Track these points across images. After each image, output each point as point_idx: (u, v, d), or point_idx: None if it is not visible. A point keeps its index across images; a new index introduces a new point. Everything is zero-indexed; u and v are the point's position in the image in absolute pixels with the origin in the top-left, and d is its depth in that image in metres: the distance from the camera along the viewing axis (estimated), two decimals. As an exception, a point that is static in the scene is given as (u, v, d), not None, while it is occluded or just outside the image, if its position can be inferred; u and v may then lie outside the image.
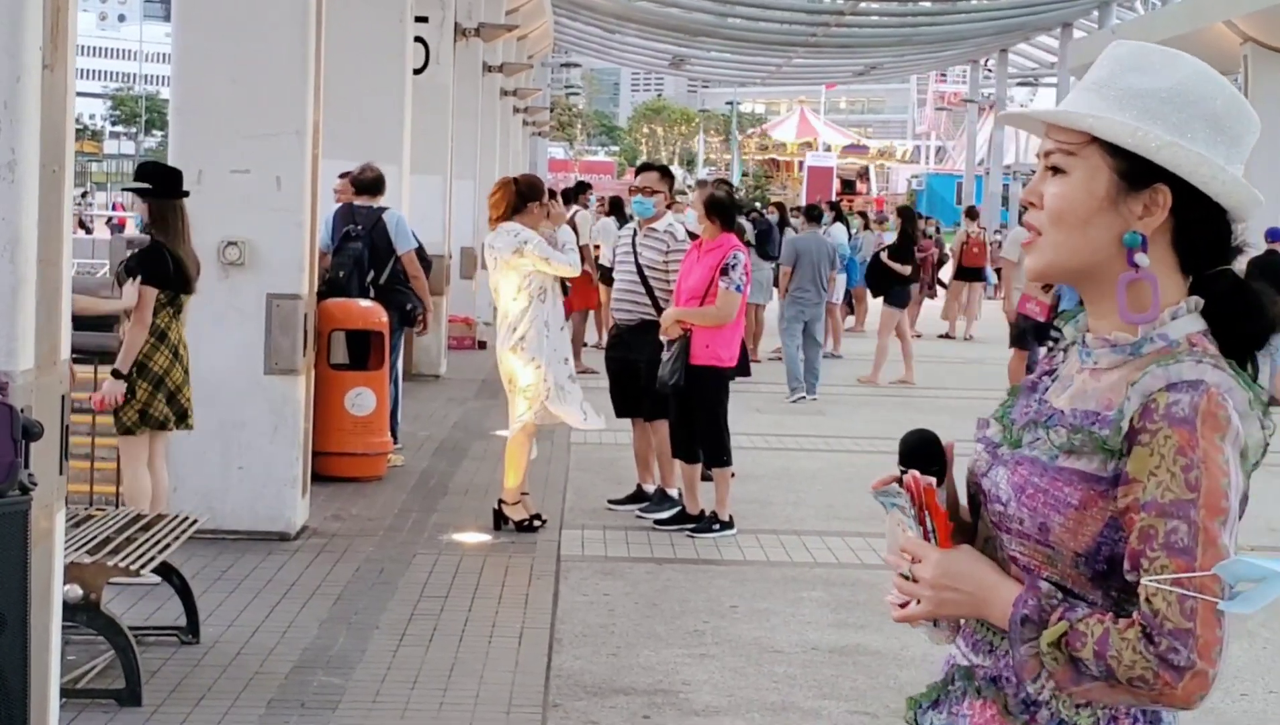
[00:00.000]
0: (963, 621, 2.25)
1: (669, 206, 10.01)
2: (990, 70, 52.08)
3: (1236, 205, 2.12)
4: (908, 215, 19.78)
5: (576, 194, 19.86)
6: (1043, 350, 2.52)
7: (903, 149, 79.72)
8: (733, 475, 9.30)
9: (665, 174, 10.11)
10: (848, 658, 6.85)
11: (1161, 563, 1.98)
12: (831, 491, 10.56)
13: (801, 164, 69.82)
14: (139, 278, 7.40)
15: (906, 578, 2.17)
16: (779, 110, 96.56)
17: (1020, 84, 56.19)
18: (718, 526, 9.21)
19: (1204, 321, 2.12)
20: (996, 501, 2.16)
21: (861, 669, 6.70)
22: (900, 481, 2.19)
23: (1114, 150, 2.11)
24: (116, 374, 7.41)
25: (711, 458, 9.28)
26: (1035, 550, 2.12)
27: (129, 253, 7.79)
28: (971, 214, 23.78)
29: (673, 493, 9.74)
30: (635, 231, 9.94)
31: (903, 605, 2.20)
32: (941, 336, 23.12)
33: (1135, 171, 2.10)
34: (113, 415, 7.50)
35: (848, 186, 68.02)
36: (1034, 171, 2.26)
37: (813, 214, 18.19)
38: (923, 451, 2.23)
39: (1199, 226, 2.12)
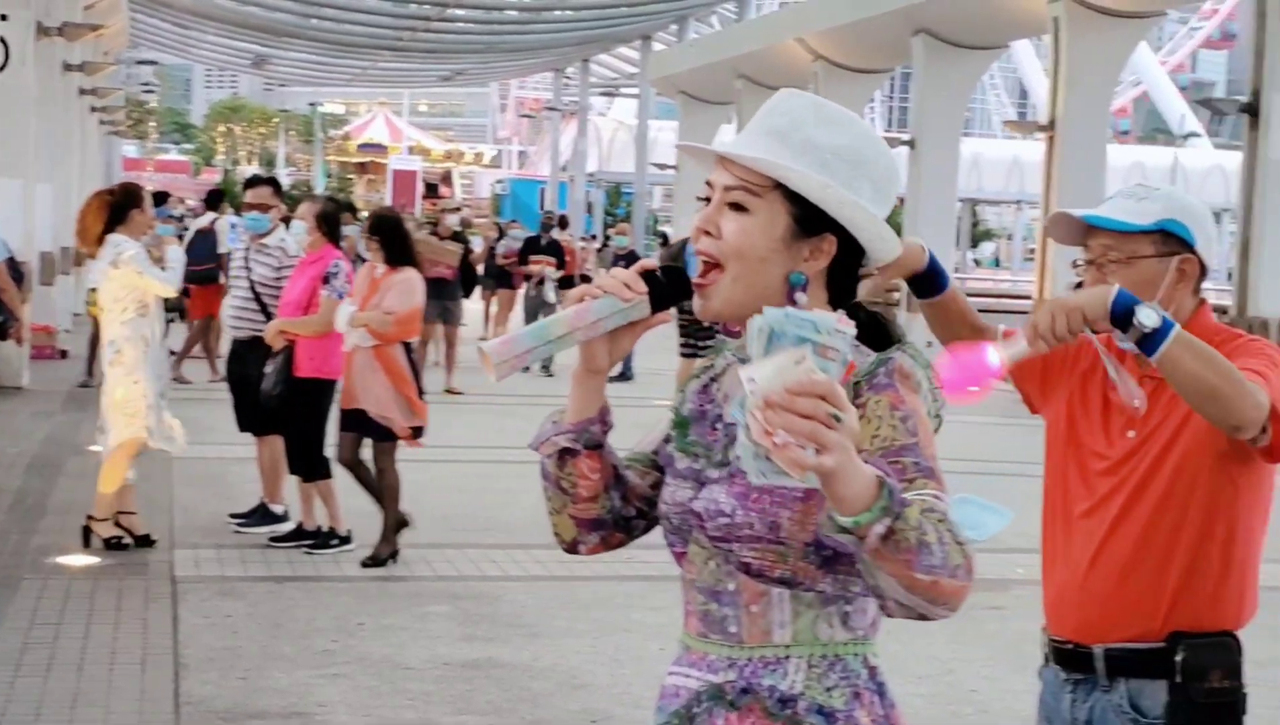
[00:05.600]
0: (688, 648, 2.36)
1: (284, 220, 9.93)
2: (571, 78, 52.97)
3: (883, 256, 2.35)
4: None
5: (217, 201, 19.07)
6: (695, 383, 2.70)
7: (473, 152, 79.95)
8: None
9: (278, 188, 10.02)
10: (480, 671, 6.93)
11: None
12: (446, 502, 10.61)
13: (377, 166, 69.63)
14: None
15: (838, 419, 1.90)
16: (359, 111, 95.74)
17: (602, 93, 57.32)
18: (335, 542, 9.16)
19: None
20: (720, 516, 2.26)
21: (494, 682, 6.79)
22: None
23: (794, 198, 2.27)
24: None
25: (310, 471, 9.21)
26: (767, 551, 2.24)
27: None
28: (562, 222, 24.17)
29: (276, 509, 9.64)
30: (248, 247, 9.81)
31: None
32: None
33: (809, 219, 2.27)
34: None
35: (431, 190, 68.06)
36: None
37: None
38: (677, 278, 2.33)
39: (849, 268, 2.34)
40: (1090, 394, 3.29)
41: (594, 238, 39.92)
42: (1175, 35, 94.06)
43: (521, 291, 22.40)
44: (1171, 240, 3.17)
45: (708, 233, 2.31)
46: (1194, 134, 65.23)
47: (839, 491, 1.95)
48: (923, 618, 2.09)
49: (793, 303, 2.26)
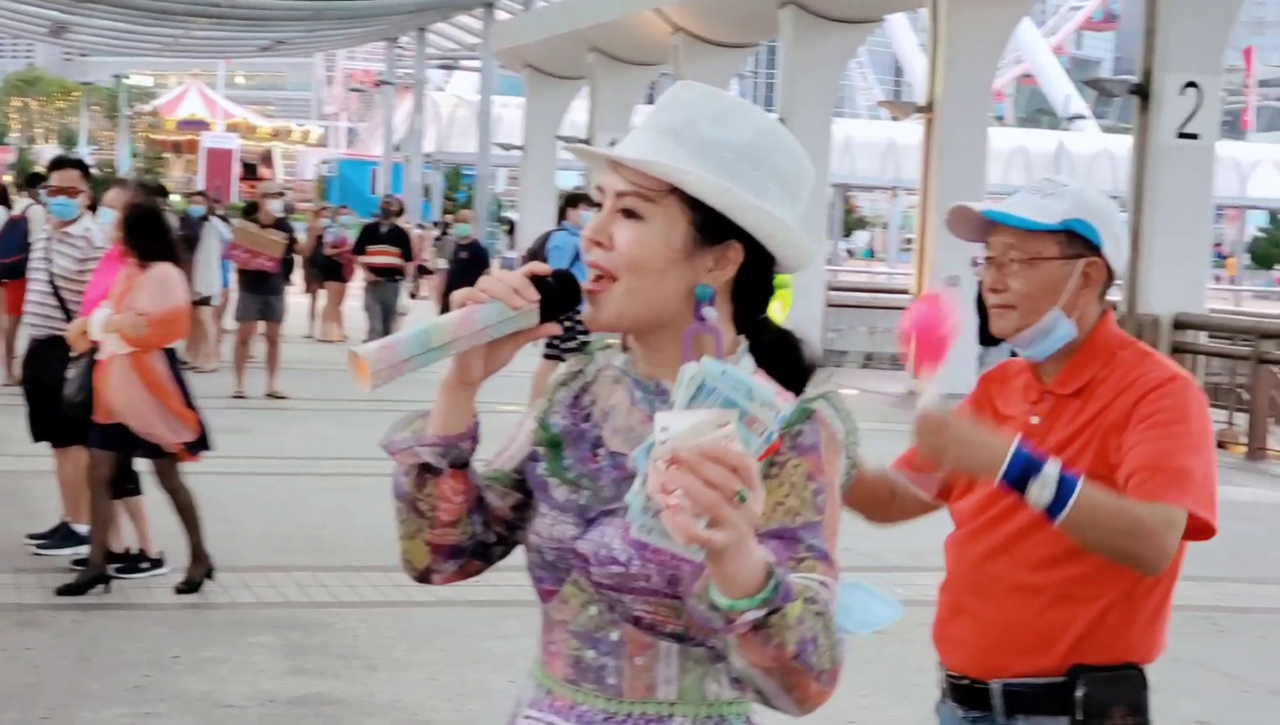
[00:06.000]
0: (550, 692, 2.31)
1: (91, 207, 9.74)
2: (406, 48, 52.66)
3: (795, 262, 2.31)
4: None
5: (34, 185, 18.48)
6: (561, 367, 2.69)
7: (302, 130, 79.30)
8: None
9: (86, 172, 9.82)
10: (309, 709, 6.86)
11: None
12: (270, 520, 10.50)
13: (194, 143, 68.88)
14: None
15: (742, 497, 1.88)
16: (169, 84, 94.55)
17: (440, 65, 57.08)
18: (146, 565, 9.02)
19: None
20: (611, 563, 2.22)
21: (325, 720, 6.72)
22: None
23: (693, 203, 2.22)
24: None
25: (117, 487, 9.04)
26: (661, 605, 2.21)
27: None
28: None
29: (79, 528, 9.47)
30: (49, 236, 9.60)
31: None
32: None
33: (710, 226, 2.23)
34: None
35: (250, 171, 67.48)
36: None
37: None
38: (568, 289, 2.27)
39: (757, 279, 2.30)
40: (983, 420, 3.32)
41: (434, 225, 39.76)
42: (1058, 11, 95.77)
43: (353, 284, 22.22)
44: (1077, 241, 3.19)
45: (599, 243, 2.26)
46: (1079, 116, 66.47)
47: (724, 569, 1.93)
48: (768, 703, 2.10)
49: (700, 319, 2.24)
